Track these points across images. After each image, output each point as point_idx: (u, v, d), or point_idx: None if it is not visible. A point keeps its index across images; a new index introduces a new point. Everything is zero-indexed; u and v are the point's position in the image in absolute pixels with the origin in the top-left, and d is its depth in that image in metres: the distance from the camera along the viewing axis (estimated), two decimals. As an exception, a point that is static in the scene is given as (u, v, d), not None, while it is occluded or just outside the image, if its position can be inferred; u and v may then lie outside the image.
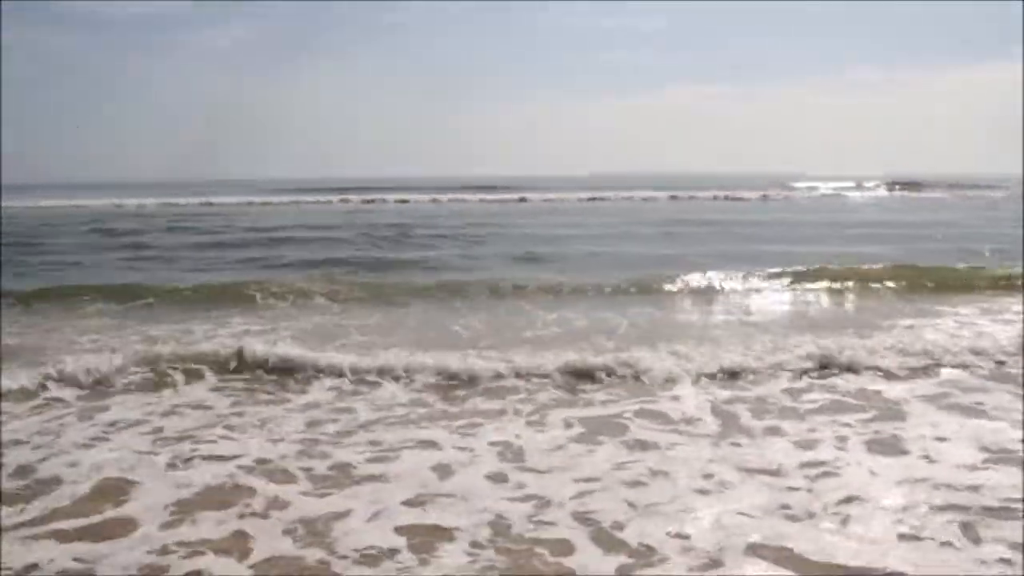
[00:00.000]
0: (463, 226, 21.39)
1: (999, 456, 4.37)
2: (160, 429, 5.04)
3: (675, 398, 5.60)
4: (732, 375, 6.12)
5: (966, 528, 3.50)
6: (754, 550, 3.34)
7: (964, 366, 6.24)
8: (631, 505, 3.80)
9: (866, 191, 49.76)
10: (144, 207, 34.28)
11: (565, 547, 3.38)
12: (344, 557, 3.32)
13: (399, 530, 3.57)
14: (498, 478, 4.19)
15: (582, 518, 3.66)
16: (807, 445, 4.64)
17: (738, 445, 4.66)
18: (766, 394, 5.66)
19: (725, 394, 5.67)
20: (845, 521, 3.60)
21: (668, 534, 3.48)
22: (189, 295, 10.07)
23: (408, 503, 3.85)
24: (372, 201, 37.61)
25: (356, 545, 3.42)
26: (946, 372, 6.16)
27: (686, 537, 3.45)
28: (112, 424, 5.14)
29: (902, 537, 3.45)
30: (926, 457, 4.39)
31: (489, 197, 40.46)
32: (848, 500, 3.83)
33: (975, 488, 3.93)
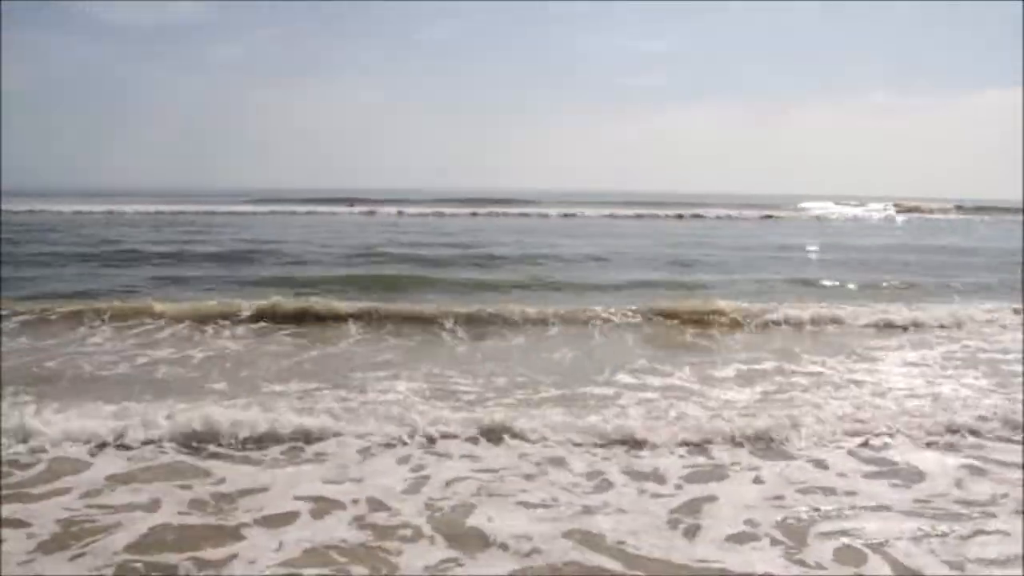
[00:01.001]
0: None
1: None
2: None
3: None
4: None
5: (797, 530, 3.81)
6: (590, 542, 3.66)
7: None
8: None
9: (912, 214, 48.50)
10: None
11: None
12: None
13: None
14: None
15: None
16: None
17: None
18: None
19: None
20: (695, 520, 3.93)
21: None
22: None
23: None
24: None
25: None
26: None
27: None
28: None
29: (732, 537, 3.75)
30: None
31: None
32: (710, 499, 4.20)
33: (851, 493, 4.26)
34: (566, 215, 38.39)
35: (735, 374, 6.99)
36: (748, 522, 3.89)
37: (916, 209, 50.92)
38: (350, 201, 45.75)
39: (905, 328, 9.21)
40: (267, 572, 3.35)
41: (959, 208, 51.09)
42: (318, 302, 9.42)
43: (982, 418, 5.47)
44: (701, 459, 4.81)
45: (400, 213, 37.41)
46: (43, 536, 3.66)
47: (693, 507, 4.08)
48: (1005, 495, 4.26)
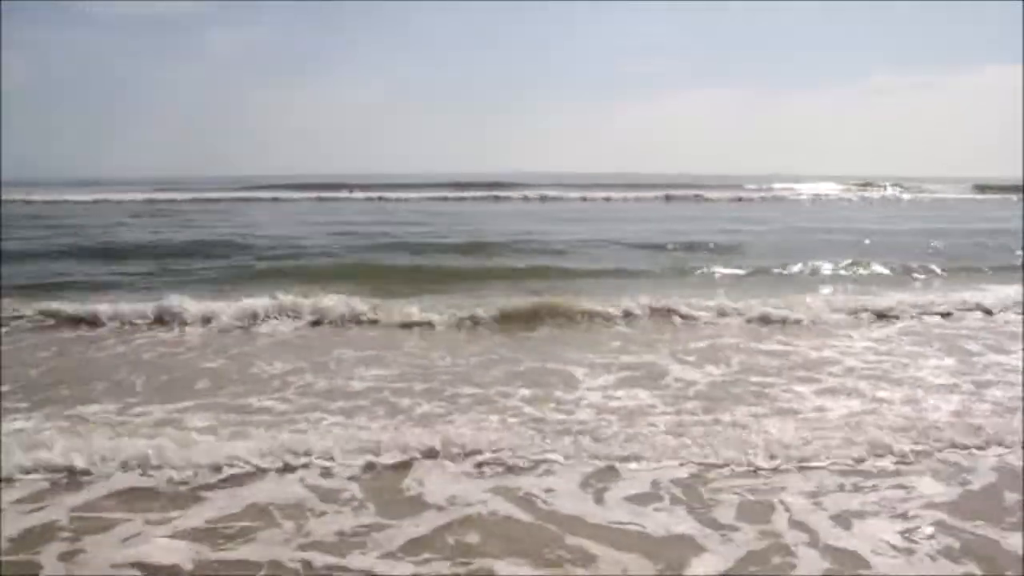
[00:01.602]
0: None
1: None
2: None
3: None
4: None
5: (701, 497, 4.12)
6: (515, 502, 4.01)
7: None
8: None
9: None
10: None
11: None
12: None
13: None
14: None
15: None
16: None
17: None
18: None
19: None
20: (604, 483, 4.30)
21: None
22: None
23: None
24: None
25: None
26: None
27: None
28: None
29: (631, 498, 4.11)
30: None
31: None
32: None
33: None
34: (607, 199, 38.17)
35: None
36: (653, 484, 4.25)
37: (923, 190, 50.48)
38: (349, 188, 46.03)
39: None
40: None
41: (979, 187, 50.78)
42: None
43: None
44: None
45: (380, 199, 37.42)
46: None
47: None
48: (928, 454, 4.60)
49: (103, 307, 8.64)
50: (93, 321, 8.38)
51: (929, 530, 3.71)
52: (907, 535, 3.66)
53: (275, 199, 36.98)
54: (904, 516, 3.86)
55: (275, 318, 8.53)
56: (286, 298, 8.83)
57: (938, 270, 12.89)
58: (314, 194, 39.76)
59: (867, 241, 17.44)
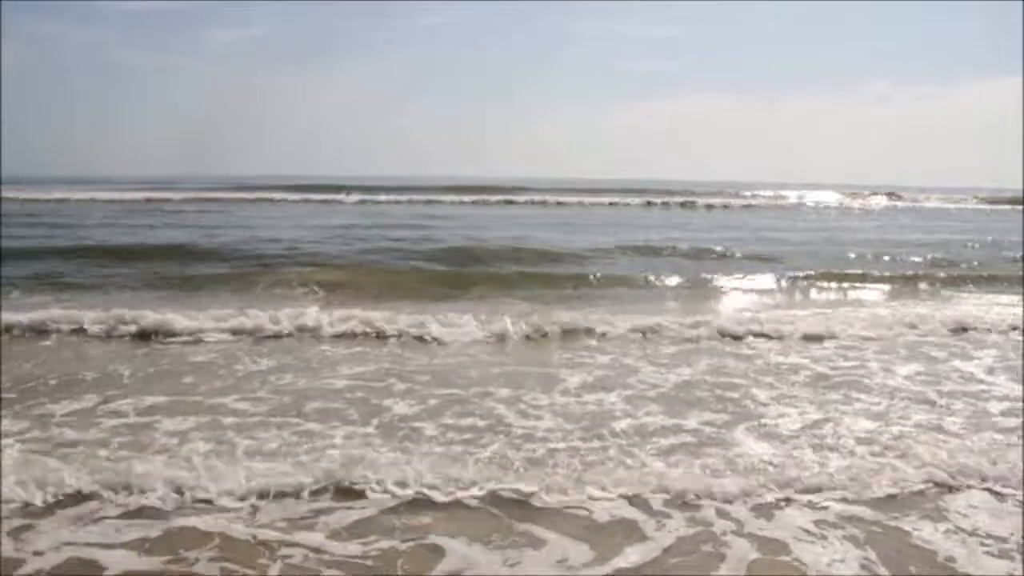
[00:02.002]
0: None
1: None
2: None
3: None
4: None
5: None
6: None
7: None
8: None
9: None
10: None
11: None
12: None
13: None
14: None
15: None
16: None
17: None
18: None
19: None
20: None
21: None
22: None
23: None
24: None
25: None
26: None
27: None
28: None
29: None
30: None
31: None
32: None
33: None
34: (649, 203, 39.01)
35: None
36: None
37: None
38: (347, 190, 46.19)
39: None
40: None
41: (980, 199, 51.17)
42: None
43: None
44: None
45: (366, 202, 37.39)
46: None
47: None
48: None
49: (92, 313, 8.32)
50: (58, 330, 8.05)
51: (840, 521, 3.95)
52: (820, 525, 3.91)
53: (271, 200, 36.98)
54: (818, 508, 4.11)
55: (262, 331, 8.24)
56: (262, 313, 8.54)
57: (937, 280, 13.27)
58: (309, 196, 39.65)
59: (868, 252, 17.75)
